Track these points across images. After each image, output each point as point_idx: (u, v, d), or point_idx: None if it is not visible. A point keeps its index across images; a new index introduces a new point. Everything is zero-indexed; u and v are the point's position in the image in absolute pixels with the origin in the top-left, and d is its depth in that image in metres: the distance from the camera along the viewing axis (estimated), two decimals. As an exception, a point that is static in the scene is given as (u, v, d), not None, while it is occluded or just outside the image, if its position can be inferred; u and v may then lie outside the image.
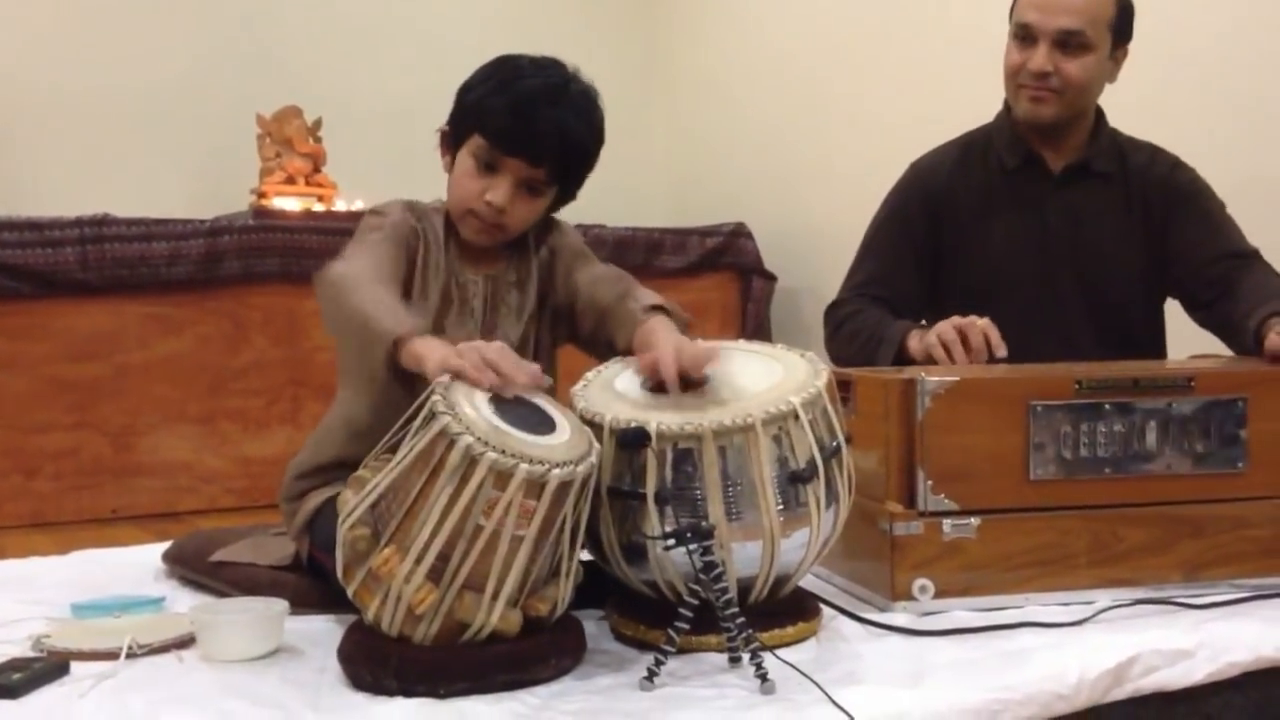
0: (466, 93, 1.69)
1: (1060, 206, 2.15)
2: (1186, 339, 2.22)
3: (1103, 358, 2.08)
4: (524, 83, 1.64)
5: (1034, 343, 1.97)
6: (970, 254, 2.17)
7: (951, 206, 2.18)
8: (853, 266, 2.27)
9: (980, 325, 1.91)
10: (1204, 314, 2.12)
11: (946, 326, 1.93)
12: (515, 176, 1.65)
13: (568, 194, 1.74)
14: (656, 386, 1.52)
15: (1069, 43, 2.05)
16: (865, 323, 2.13)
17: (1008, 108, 2.19)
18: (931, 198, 2.20)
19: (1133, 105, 2.26)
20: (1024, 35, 2.08)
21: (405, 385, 1.45)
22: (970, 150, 2.22)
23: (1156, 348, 2.21)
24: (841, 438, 1.51)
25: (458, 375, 1.37)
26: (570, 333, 1.78)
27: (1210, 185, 2.17)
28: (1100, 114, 2.18)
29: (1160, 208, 2.14)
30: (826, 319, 2.25)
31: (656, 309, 1.64)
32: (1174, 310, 2.22)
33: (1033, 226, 2.15)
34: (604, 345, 1.69)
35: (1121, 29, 2.09)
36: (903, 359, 1.99)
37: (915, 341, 1.99)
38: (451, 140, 1.71)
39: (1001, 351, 1.89)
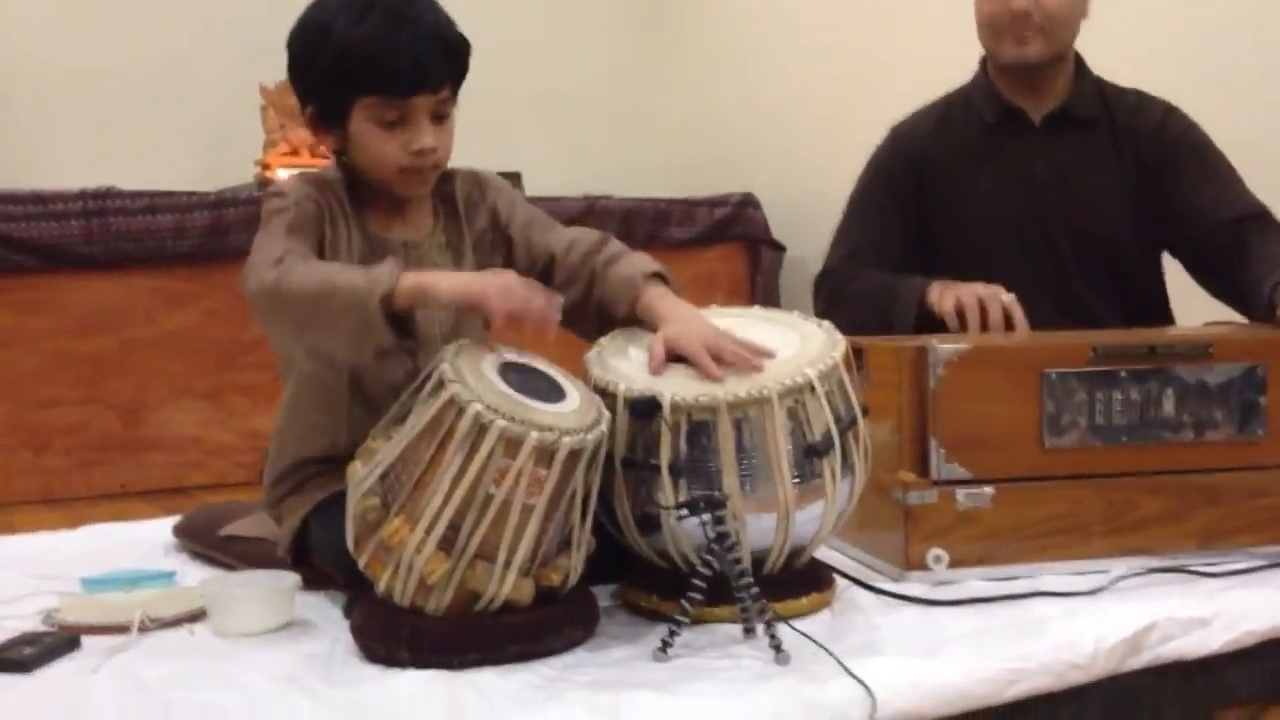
0: (312, 63, 1.58)
1: (1045, 156, 2.12)
2: (1196, 295, 2.16)
3: (1101, 307, 2.06)
4: (368, 18, 1.54)
5: (1031, 296, 1.94)
6: (958, 213, 2.15)
7: (934, 167, 2.16)
8: (837, 235, 2.24)
9: (1003, 301, 1.89)
10: (1213, 280, 2.08)
11: (969, 293, 1.90)
12: (426, 113, 1.56)
13: (456, 95, 1.63)
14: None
15: None
16: (870, 285, 2.10)
17: (983, 64, 2.17)
18: (914, 160, 2.18)
19: (1141, 64, 2.23)
20: None
21: (403, 336, 1.43)
22: (950, 110, 2.21)
23: (1157, 295, 2.18)
24: (858, 409, 1.50)
25: (475, 305, 1.41)
26: None
27: (1206, 133, 2.13)
28: (1080, 60, 2.15)
29: (1153, 157, 2.10)
30: (817, 289, 2.22)
31: (655, 276, 1.60)
32: (1182, 269, 2.17)
33: (1020, 179, 2.13)
34: (593, 314, 1.63)
35: None
36: (923, 312, 1.97)
37: (936, 294, 1.96)
38: (326, 117, 1.60)
39: (1023, 330, 1.87)
